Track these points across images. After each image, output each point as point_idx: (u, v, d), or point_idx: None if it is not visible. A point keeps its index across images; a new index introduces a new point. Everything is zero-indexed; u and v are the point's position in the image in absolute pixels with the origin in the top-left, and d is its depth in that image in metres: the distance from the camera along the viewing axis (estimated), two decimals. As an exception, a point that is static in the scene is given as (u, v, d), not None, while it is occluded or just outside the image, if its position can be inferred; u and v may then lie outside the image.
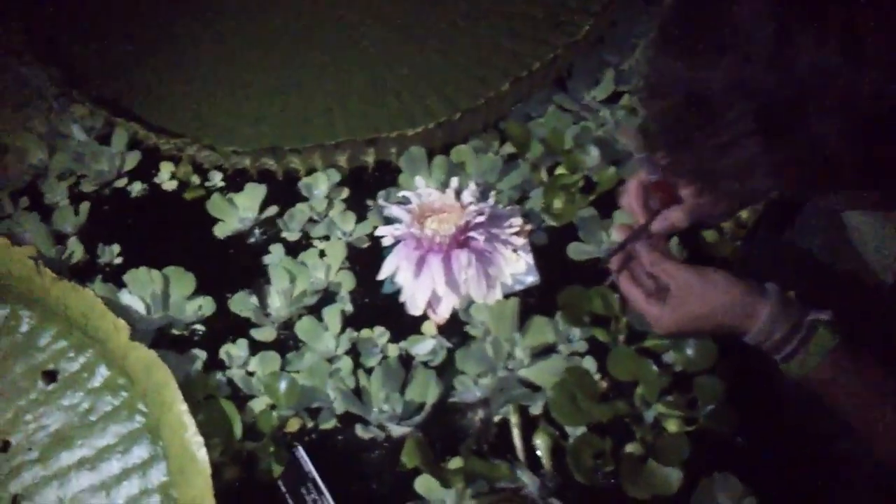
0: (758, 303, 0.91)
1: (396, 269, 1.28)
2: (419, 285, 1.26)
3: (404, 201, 1.32)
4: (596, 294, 1.19)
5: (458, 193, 1.29)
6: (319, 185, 1.45)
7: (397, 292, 1.29)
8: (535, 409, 1.16)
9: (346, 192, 1.45)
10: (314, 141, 1.42)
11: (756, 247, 1.24)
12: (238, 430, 1.15)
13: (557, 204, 1.34)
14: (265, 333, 1.29)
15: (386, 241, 1.30)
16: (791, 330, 0.89)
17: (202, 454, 1.05)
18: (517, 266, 1.27)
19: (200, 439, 1.05)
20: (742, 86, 0.66)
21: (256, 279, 1.34)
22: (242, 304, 1.31)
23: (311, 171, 1.46)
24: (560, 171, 1.38)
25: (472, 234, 1.25)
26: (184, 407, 1.08)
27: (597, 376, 1.15)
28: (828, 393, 0.88)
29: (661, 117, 0.73)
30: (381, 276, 1.29)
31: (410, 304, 1.27)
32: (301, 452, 1.11)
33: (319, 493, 1.06)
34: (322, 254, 1.36)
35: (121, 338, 1.15)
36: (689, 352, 1.13)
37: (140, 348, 1.13)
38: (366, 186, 1.45)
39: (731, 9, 0.66)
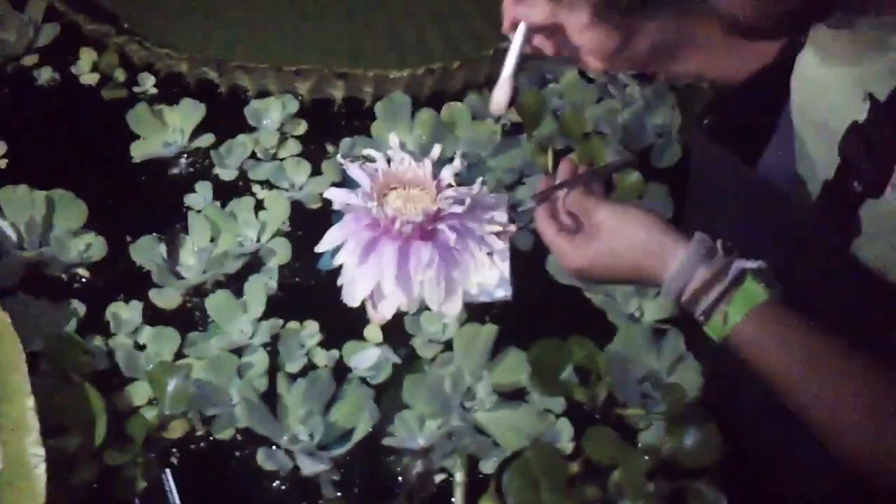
0: (676, 243, 0.78)
1: (341, 245, 1.01)
2: (363, 273, 0.99)
3: (369, 160, 1.04)
4: (577, 345, 0.94)
5: (437, 167, 1.02)
6: (271, 112, 1.16)
7: (336, 272, 1.02)
8: (488, 467, 0.91)
9: (303, 127, 1.17)
10: (273, 61, 1.12)
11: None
12: (101, 432, 0.89)
13: (559, 202, 1.07)
14: (167, 298, 1.01)
15: (336, 205, 1.03)
16: (712, 279, 0.75)
17: (39, 472, 0.79)
18: (488, 275, 1.01)
19: (41, 453, 0.80)
20: None
21: (171, 224, 1.06)
22: (147, 252, 1.04)
23: (263, 94, 1.17)
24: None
25: (442, 225, 0.98)
26: (30, 402, 0.82)
27: (569, 444, 0.91)
28: (751, 358, 0.75)
29: None
30: (321, 247, 1.02)
31: (347, 292, 1.00)
32: (169, 481, 0.86)
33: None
34: (260, 206, 1.08)
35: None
36: (688, 443, 0.89)
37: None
38: (330, 124, 1.17)
39: None
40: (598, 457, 0.89)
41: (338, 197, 1.02)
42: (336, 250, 1.01)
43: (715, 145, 0.85)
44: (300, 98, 1.17)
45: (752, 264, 0.74)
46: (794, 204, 0.80)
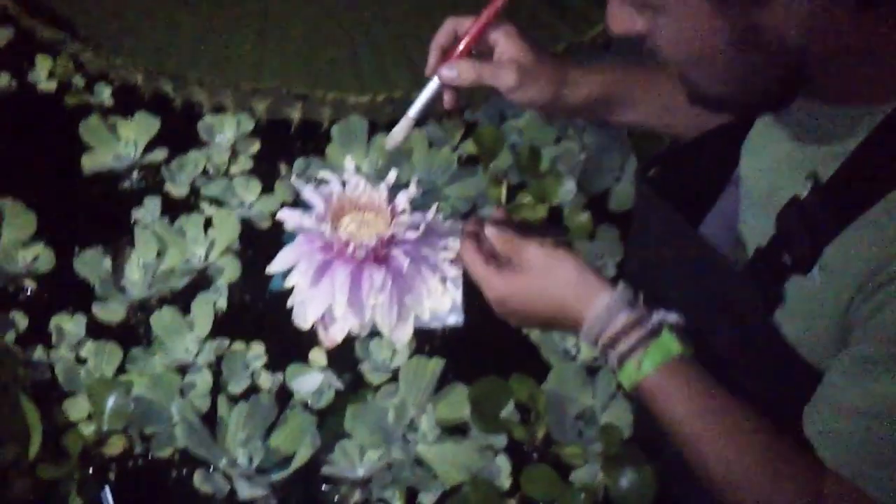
0: (600, 289, 0.79)
1: (292, 266, 1.01)
2: (315, 295, 0.98)
3: (324, 182, 1.04)
4: (518, 383, 0.95)
5: (392, 192, 1.02)
6: (225, 129, 1.16)
7: (284, 293, 1.01)
8: (427, 500, 0.91)
9: (256, 146, 1.16)
10: (232, 79, 1.12)
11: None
12: (35, 445, 0.87)
13: (510, 234, 1.08)
14: (111, 312, 1.00)
15: (288, 226, 1.03)
16: (631, 325, 0.77)
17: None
18: (441, 301, 1.01)
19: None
20: None
21: (118, 238, 1.05)
22: (91, 265, 1.02)
23: (219, 111, 1.16)
24: (524, 196, 1.12)
25: (395, 250, 0.99)
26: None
27: (507, 481, 0.92)
28: (657, 407, 0.77)
29: None
30: (272, 269, 1.01)
31: (299, 314, 1.00)
32: (107, 497, 0.85)
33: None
34: (209, 224, 1.08)
35: None
36: (624, 483, 0.90)
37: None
38: (284, 145, 1.17)
39: None
40: (534, 494, 0.90)
41: (291, 219, 1.02)
42: (287, 272, 1.01)
43: (656, 197, 0.86)
44: (257, 117, 1.17)
45: (671, 318, 0.77)
46: (728, 264, 0.82)
